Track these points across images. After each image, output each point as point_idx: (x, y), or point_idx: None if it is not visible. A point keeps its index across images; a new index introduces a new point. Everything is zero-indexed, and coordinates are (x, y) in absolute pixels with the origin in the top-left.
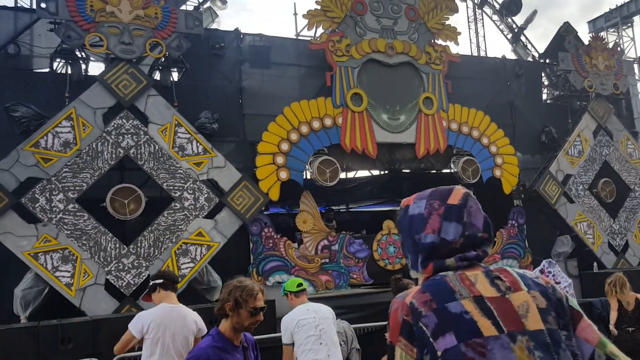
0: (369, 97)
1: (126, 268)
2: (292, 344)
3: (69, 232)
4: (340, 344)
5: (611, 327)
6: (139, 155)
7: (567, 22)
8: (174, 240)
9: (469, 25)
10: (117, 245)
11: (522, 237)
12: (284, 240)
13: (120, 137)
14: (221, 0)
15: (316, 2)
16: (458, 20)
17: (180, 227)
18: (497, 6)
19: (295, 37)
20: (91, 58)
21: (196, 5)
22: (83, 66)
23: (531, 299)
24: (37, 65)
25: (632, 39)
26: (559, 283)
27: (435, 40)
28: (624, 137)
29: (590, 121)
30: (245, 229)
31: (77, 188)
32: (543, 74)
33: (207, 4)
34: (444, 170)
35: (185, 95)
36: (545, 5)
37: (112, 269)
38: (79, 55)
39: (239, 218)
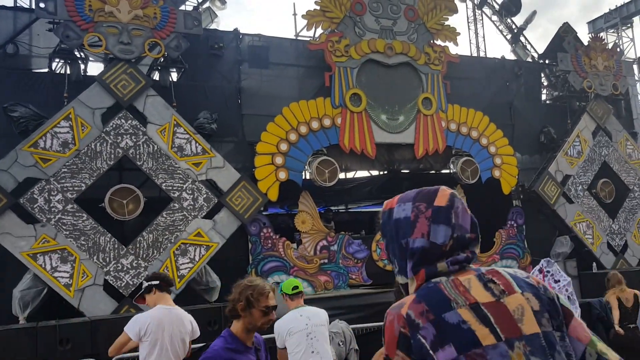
0: (368, 98)
1: (125, 268)
2: (286, 348)
3: (67, 232)
4: (339, 345)
5: (616, 327)
6: (137, 156)
7: (567, 22)
8: (172, 240)
9: (468, 26)
10: (116, 246)
11: (521, 238)
12: (282, 240)
13: (119, 137)
14: (220, 0)
15: (315, 2)
16: (457, 21)
17: (179, 227)
18: (497, 7)
19: (294, 38)
20: (90, 58)
21: (195, 5)
22: (82, 66)
23: (525, 301)
24: (35, 65)
25: (632, 39)
26: (558, 282)
27: (435, 41)
28: (623, 138)
29: (589, 122)
30: (244, 230)
31: (75, 188)
32: (542, 75)
33: (206, 4)
34: (443, 171)
35: (184, 96)
36: (545, 6)
37: (111, 269)
38: (78, 55)
39: (237, 218)
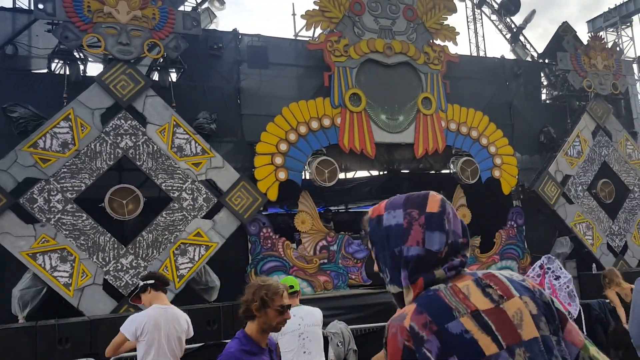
0: (368, 97)
1: (124, 268)
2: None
3: (67, 232)
4: (338, 345)
5: (624, 324)
6: (137, 156)
7: (566, 21)
8: (172, 240)
9: (467, 25)
10: (116, 246)
11: (521, 238)
12: (282, 240)
13: (119, 137)
14: (219, 0)
15: (314, 2)
16: (456, 20)
17: (178, 227)
18: (496, 6)
19: (293, 38)
20: (89, 59)
21: (194, 5)
22: (81, 67)
23: (523, 305)
24: (34, 66)
25: (632, 38)
26: (559, 278)
27: (434, 40)
28: (623, 138)
29: (589, 121)
30: (243, 229)
31: (75, 188)
32: (542, 74)
33: (205, 5)
34: (443, 171)
35: (184, 96)
36: (545, 5)
37: (111, 269)
38: (77, 56)
39: (237, 218)
